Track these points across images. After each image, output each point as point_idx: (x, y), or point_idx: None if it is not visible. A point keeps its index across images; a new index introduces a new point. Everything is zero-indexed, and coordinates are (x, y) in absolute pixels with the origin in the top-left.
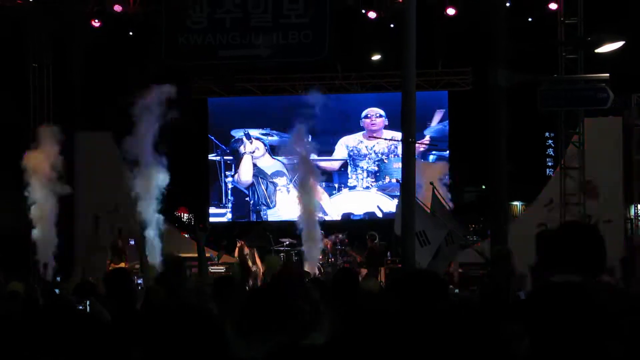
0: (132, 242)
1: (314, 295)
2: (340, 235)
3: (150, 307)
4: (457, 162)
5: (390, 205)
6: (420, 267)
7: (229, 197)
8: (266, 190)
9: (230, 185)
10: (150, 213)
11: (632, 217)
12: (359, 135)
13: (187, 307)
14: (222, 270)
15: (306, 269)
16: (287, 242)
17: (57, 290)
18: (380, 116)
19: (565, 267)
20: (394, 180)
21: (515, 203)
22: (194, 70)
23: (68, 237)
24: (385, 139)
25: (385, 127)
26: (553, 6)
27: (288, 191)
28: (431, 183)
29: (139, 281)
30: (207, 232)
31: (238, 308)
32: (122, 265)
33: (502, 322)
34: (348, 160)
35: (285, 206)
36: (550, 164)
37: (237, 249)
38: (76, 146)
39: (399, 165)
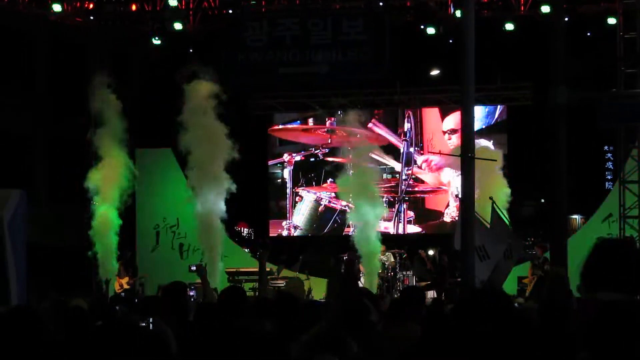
0: (194, 268)
1: None
2: (400, 251)
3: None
4: (516, 175)
5: None
6: (481, 281)
7: (290, 211)
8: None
9: (291, 200)
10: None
11: None
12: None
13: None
14: (282, 285)
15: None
16: (347, 257)
17: (117, 307)
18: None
19: (605, 285)
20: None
21: (574, 216)
22: (255, 86)
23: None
24: (444, 154)
25: None
26: (612, 21)
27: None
28: (490, 198)
29: (192, 293)
30: (269, 251)
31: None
32: (126, 279)
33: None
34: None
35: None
36: (609, 177)
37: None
38: (137, 162)
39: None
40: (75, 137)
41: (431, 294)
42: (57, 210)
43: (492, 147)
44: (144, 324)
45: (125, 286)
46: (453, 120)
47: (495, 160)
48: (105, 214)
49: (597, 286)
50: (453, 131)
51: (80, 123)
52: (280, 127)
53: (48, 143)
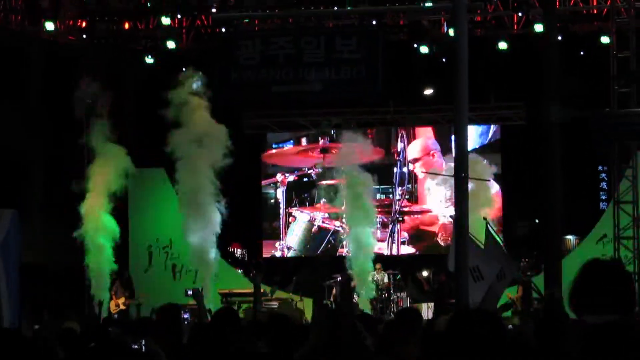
0: (190, 293)
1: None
2: (393, 271)
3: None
4: (510, 195)
5: None
6: (474, 303)
7: (284, 232)
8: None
9: (284, 220)
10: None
11: None
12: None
13: None
14: (275, 306)
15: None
16: (339, 278)
17: (110, 329)
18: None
19: (593, 307)
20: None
21: (568, 237)
22: (248, 105)
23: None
24: (437, 174)
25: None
26: (605, 40)
27: (342, 230)
28: (484, 218)
29: (186, 315)
30: (263, 274)
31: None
32: (123, 299)
33: None
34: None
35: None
36: (603, 197)
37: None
38: (130, 182)
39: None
40: (69, 156)
41: (426, 314)
42: (50, 228)
43: (481, 159)
44: (136, 346)
45: (122, 307)
46: (415, 148)
47: (489, 181)
48: (96, 217)
49: (585, 308)
50: (415, 160)
51: (75, 141)
52: (274, 150)
53: (42, 161)
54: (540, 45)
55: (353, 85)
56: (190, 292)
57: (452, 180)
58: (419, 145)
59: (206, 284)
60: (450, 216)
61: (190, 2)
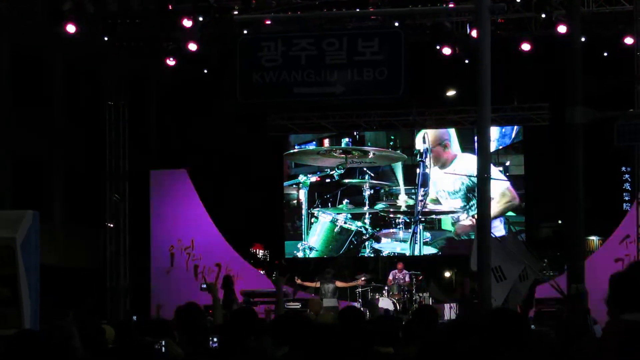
0: (204, 286)
1: None
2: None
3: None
4: (534, 196)
5: None
6: (496, 303)
7: (306, 232)
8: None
9: (306, 220)
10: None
11: None
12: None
13: None
14: (298, 306)
15: (382, 305)
16: (363, 278)
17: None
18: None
19: (630, 306)
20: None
21: (592, 238)
22: (270, 108)
23: (144, 275)
24: (460, 174)
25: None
26: (629, 40)
27: (365, 230)
28: (507, 218)
29: None
30: (286, 276)
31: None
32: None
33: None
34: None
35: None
36: (627, 198)
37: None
38: (152, 183)
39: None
40: (90, 157)
41: (448, 314)
42: (72, 232)
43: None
44: (157, 346)
45: None
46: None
47: (512, 181)
48: None
49: (623, 308)
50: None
51: (96, 142)
52: (296, 149)
53: (64, 166)
54: (563, 47)
55: (375, 87)
56: (204, 286)
57: None
58: (430, 136)
59: None
60: (472, 216)
61: (212, 4)
